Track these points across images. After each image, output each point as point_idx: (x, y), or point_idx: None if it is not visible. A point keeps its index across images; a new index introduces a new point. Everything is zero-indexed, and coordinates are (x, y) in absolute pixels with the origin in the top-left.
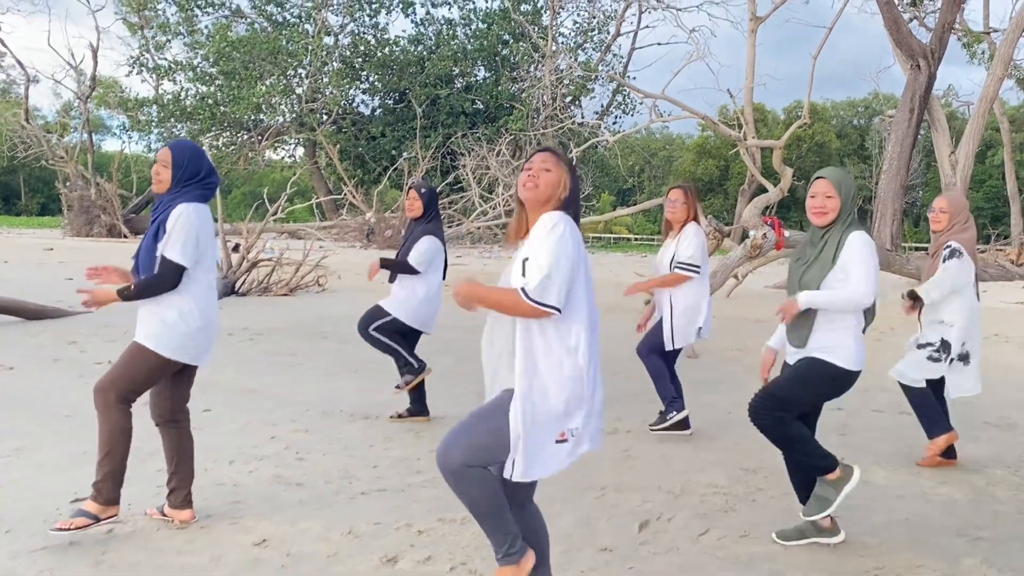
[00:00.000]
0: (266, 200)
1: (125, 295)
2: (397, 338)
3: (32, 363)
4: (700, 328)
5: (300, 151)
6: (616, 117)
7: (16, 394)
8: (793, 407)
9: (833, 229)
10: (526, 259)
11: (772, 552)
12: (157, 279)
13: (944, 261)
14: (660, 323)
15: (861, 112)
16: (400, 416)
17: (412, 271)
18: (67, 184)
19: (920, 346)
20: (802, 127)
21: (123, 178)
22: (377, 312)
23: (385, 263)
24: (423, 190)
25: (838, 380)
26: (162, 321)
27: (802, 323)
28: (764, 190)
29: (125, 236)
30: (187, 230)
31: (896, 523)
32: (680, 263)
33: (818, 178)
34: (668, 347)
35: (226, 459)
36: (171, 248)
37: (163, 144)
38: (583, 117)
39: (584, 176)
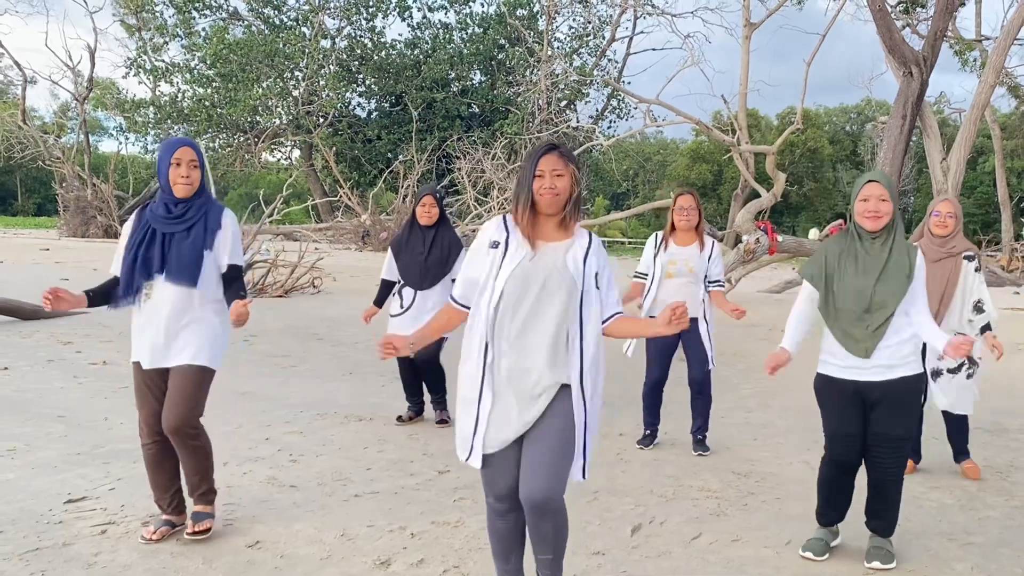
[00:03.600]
0: (262, 202)
1: (245, 294)
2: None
3: (26, 364)
4: None
5: (296, 153)
6: (611, 122)
7: (10, 395)
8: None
9: (887, 236)
10: (596, 272)
11: (763, 556)
12: (240, 280)
13: (976, 272)
14: (701, 347)
15: (854, 118)
16: (410, 419)
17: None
18: (63, 185)
19: (953, 371)
20: (795, 133)
21: (119, 179)
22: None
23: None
24: (439, 195)
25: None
26: (216, 336)
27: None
28: (757, 195)
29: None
30: (239, 235)
31: (902, 531)
32: (716, 281)
33: (870, 181)
34: (712, 366)
35: (220, 461)
36: (236, 255)
37: (159, 144)
38: (578, 121)
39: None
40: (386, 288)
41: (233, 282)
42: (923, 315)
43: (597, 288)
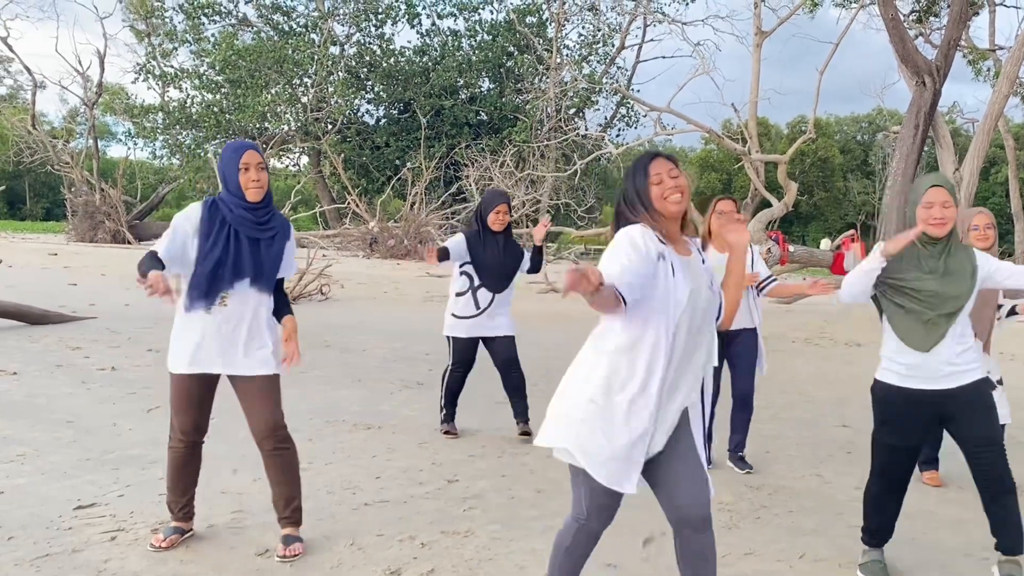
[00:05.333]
0: None
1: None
2: None
3: (35, 369)
4: None
5: (304, 160)
6: (620, 130)
7: (19, 400)
8: None
9: (949, 241)
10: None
11: (776, 570)
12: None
13: None
14: (750, 356)
15: (865, 128)
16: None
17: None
18: (72, 189)
19: (1000, 381)
20: (807, 142)
21: (128, 184)
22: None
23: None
24: (510, 202)
25: None
26: (279, 341)
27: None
28: (768, 204)
29: (129, 242)
30: None
31: (901, 542)
32: (769, 278)
33: (933, 186)
34: (763, 373)
35: (229, 468)
36: (291, 268)
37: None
38: (587, 129)
39: (587, 188)
40: (445, 255)
41: (282, 293)
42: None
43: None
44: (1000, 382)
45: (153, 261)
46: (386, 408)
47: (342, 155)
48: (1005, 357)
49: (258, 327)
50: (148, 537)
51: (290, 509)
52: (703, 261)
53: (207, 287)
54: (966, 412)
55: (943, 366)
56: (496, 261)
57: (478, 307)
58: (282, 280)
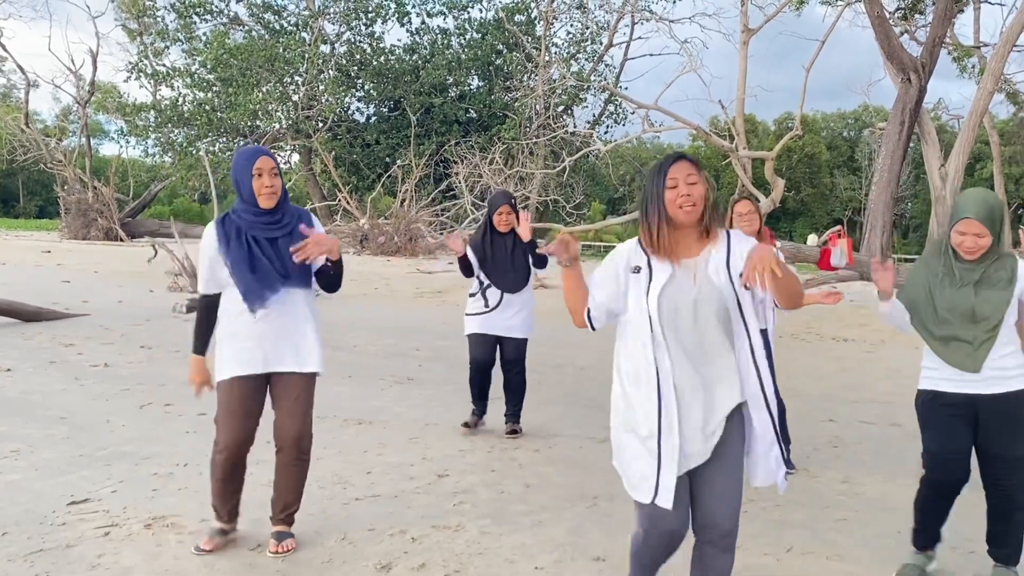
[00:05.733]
0: None
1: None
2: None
3: (29, 365)
4: None
5: (296, 157)
6: (608, 127)
7: (12, 396)
8: None
9: (988, 260)
10: (740, 273)
11: (763, 563)
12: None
13: None
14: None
15: (851, 124)
16: (475, 424)
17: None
18: (65, 187)
19: None
20: (794, 138)
21: (120, 182)
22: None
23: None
24: (512, 201)
25: None
26: (321, 339)
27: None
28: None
29: (121, 239)
30: None
31: (888, 535)
32: None
33: (964, 218)
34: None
35: None
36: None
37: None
38: (575, 126)
39: (576, 184)
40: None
41: (333, 279)
42: None
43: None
44: None
45: (199, 341)
46: (377, 404)
47: (332, 153)
48: None
49: (300, 325)
50: (142, 534)
51: (285, 514)
52: (728, 259)
53: (255, 293)
54: (1001, 426)
55: (985, 372)
56: (503, 260)
57: (487, 305)
58: (339, 267)
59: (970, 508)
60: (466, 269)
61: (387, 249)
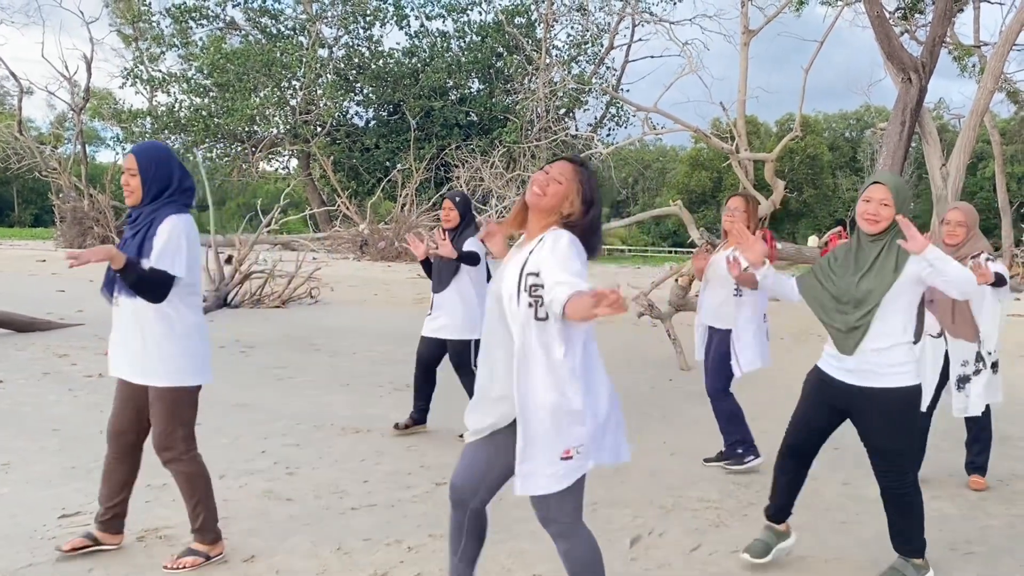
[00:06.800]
0: (259, 212)
1: (127, 265)
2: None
3: (21, 376)
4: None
5: (294, 163)
6: (610, 129)
7: (4, 408)
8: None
9: (885, 239)
10: (531, 273)
11: (763, 566)
12: (154, 281)
13: (988, 261)
14: (721, 358)
15: (853, 124)
16: (406, 427)
17: (474, 262)
18: (60, 195)
19: (977, 373)
20: (794, 140)
21: (116, 190)
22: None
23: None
24: (458, 199)
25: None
26: (183, 353)
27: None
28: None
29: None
30: (180, 242)
31: (886, 536)
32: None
33: (875, 183)
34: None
35: (216, 474)
36: (164, 260)
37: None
38: (577, 129)
39: None
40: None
41: (150, 278)
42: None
43: (531, 291)
44: (995, 366)
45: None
46: (375, 412)
47: (331, 157)
48: (1014, 354)
49: (138, 333)
50: (134, 546)
51: (192, 528)
52: (530, 253)
53: (105, 279)
54: (876, 419)
55: (862, 362)
56: (436, 261)
57: (431, 308)
58: (156, 272)
59: (969, 508)
60: (428, 272)
61: (387, 254)
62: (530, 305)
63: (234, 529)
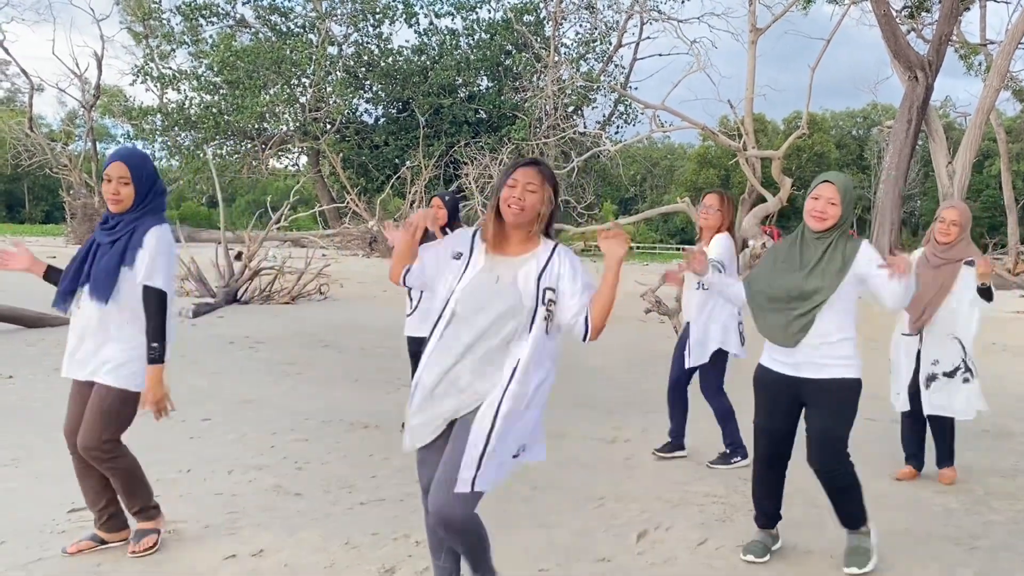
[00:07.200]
0: (269, 209)
1: (155, 354)
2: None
3: (31, 372)
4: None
5: (303, 160)
6: (618, 127)
7: (14, 403)
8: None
9: (831, 236)
10: (548, 288)
11: (769, 562)
12: (157, 315)
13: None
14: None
15: (860, 122)
16: None
17: None
18: (71, 192)
19: (948, 374)
20: (801, 137)
21: None
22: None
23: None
24: (446, 198)
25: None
26: (141, 356)
27: (807, 319)
28: (764, 200)
29: None
30: (168, 256)
31: (892, 533)
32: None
33: (824, 181)
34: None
35: (224, 469)
36: (157, 277)
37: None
38: (585, 127)
39: (586, 185)
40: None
41: (148, 311)
42: (882, 281)
43: (548, 305)
44: (969, 372)
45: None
46: (384, 407)
47: (341, 154)
48: (996, 348)
49: (99, 335)
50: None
51: (132, 512)
52: (542, 272)
53: (63, 288)
54: (821, 406)
55: (808, 354)
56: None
57: (411, 305)
58: (149, 292)
59: (973, 503)
60: None
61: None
62: (544, 318)
63: (243, 523)
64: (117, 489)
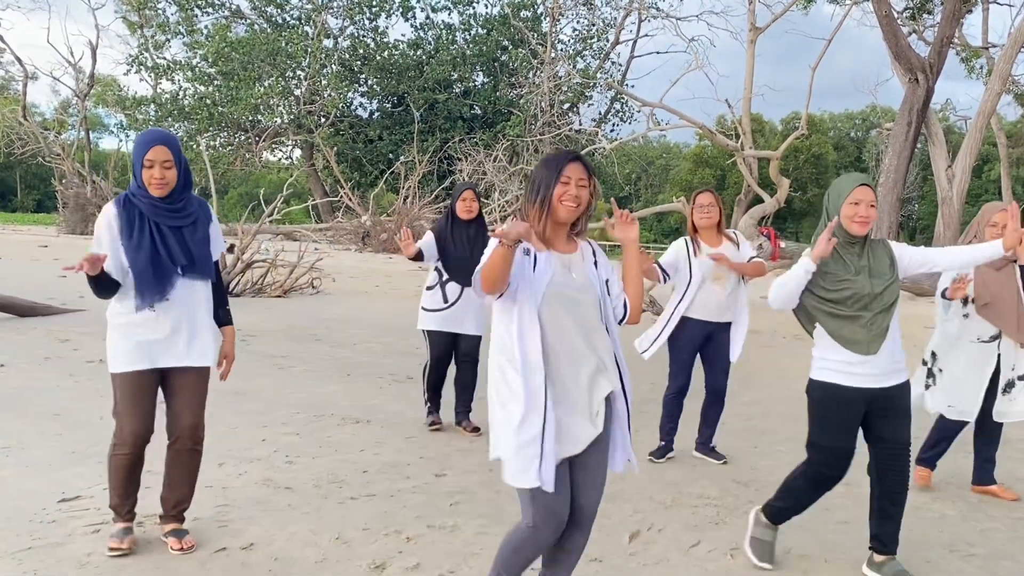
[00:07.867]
0: (262, 201)
1: (230, 316)
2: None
3: (22, 361)
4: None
5: (297, 153)
6: (614, 125)
7: (6, 392)
8: None
9: (868, 240)
10: (607, 279)
11: (763, 564)
12: (220, 280)
13: None
14: (726, 353)
15: (859, 124)
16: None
17: None
18: (63, 181)
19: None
20: (799, 138)
21: (119, 176)
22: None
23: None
24: (478, 189)
25: None
26: (217, 333)
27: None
28: (760, 200)
29: None
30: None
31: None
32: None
33: (862, 184)
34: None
35: (215, 461)
36: (220, 245)
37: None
38: (581, 124)
39: None
40: (420, 256)
41: (219, 278)
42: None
43: (609, 294)
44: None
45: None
46: (375, 403)
47: (335, 148)
48: None
49: (198, 317)
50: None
51: (177, 510)
52: (596, 264)
53: (152, 281)
54: (895, 414)
55: (886, 363)
56: (463, 254)
57: (446, 301)
58: (219, 272)
59: (970, 510)
60: (418, 256)
61: (389, 246)
62: (612, 307)
63: (233, 516)
64: (187, 480)
